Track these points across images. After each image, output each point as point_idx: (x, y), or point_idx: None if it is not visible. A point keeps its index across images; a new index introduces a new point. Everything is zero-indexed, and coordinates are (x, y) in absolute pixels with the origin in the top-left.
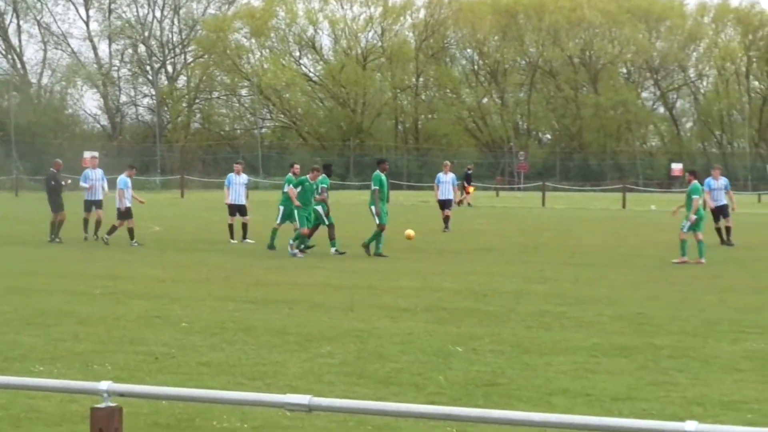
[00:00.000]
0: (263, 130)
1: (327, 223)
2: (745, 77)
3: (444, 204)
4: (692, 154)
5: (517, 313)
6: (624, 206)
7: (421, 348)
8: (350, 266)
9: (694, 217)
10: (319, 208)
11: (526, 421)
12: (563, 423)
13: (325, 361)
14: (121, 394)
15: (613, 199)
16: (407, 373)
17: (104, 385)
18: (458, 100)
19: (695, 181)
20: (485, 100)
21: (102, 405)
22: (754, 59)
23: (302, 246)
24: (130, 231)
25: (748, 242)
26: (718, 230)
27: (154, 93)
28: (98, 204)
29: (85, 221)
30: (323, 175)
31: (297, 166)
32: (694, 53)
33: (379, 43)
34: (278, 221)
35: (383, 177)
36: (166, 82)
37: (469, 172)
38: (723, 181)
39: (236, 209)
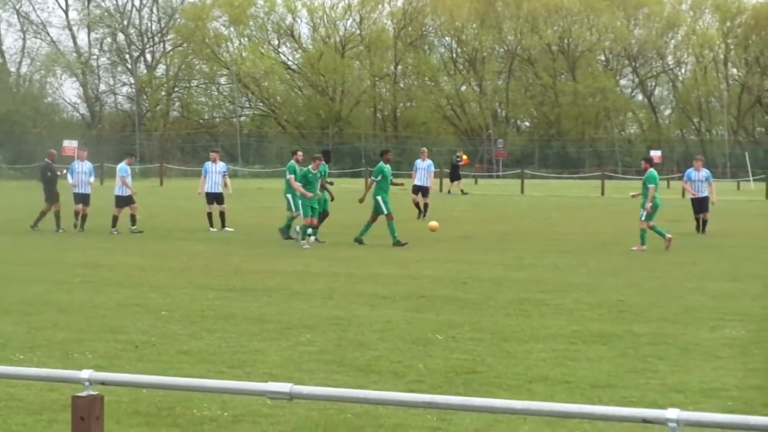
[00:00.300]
0: (242, 118)
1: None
2: (723, 64)
3: (419, 190)
4: (671, 141)
5: (496, 301)
6: (603, 194)
7: (400, 336)
8: (329, 254)
9: (650, 205)
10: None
11: (508, 409)
12: (544, 411)
13: (305, 349)
14: (103, 383)
15: (592, 187)
16: (387, 361)
17: (85, 373)
18: (437, 87)
19: (651, 170)
20: (464, 87)
21: (83, 393)
22: (732, 46)
23: (310, 235)
24: (132, 217)
25: (727, 229)
26: (698, 220)
27: (133, 82)
28: (86, 200)
29: (76, 213)
30: (324, 163)
31: (300, 153)
32: (672, 41)
33: (358, 31)
34: (293, 209)
35: (386, 168)
36: (145, 71)
37: (458, 161)
38: (705, 172)
39: (213, 197)
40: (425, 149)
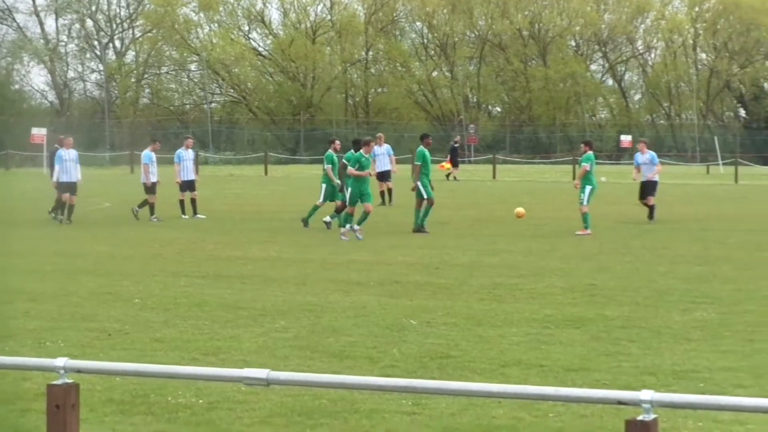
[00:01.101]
0: (213, 104)
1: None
2: (692, 49)
3: (381, 177)
4: (641, 125)
5: (470, 286)
6: (574, 178)
7: (374, 321)
8: (302, 240)
9: (577, 182)
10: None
11: (482, 392)
12: (520, 393)
13: (279, 335)
14: (78, 371)
15: (563, 172)
16: (361, 347)
17: (60, 361)
18: (408, 73)
19: (589, 151)
20: (435, 73)
21: (58, 382)
22: (701, 31)
23: (348, 225)
24: (151, 206)
25: (697, 213)
26: (646, 206)
27: (102, 68)
28: (73, 189)
29: (63, 203)
30: (359, 150)
31: (338, 142)
32: (642, 25)
33: (329, 17)
34: (320, 199)
35: (427, 152)
36: (114, 58)
37: (456, 145)
38: (649, 155)
39: (186, 185)
40: (381, 134)
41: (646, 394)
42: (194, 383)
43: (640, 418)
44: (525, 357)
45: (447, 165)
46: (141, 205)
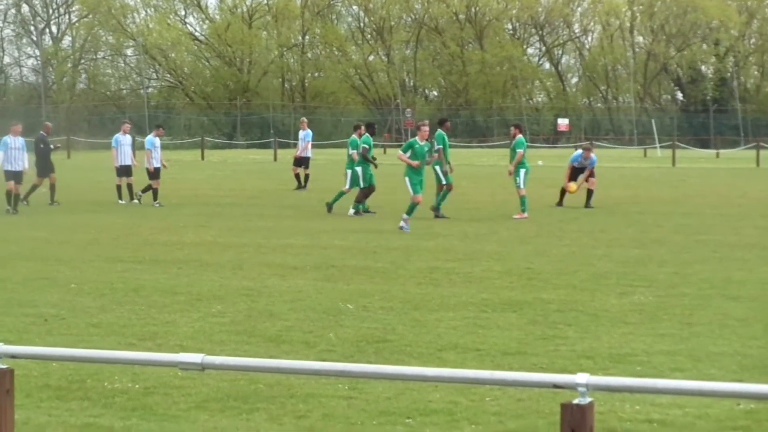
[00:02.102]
0: (149, 90)
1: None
2: (629, 32)
3: (299, 162)
4: (578, 109)
5: (406, 270)
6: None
7: (311, 306)
8: (239, 225)
9: (512, 168)
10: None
11: (419, 377)
12: (455, 377)
13: (216, 320)
14: (13, 356)
15: (501, 155)
16: (298, 331)
17: None
18: (345, 57)
19: (520, 135)
20: (372, 57)
21: None
22: (638, 14)
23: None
24: (155, 192)
25: (635, 196)
26: (560, 194)
27: (38, 54)
28: (18, 177)
29: (8, 192)
30: (366, 134)
31: (363, 128)
32: (579, 9)
33: (265, 1)
34: (347, 185)
35: (446, 136)
36: (50, 43)
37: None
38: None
39: (124, 170)
40: (304, 119)
41: (581, 378)
42: (130, 368)
43: (575, 401)
44: (462, 341)
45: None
46: (144, 190)
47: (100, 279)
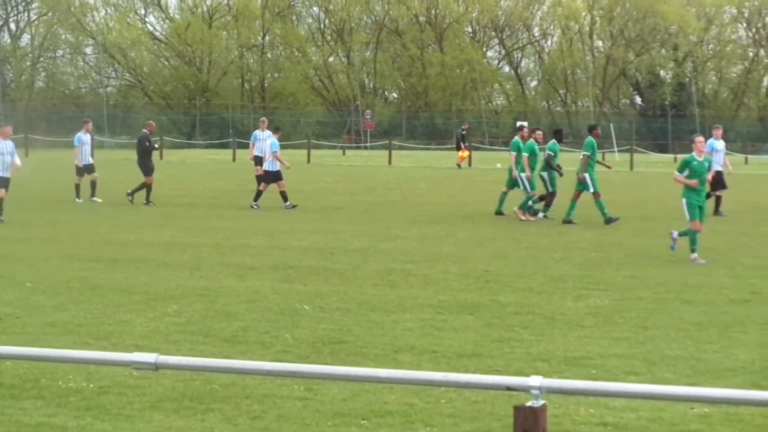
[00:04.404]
0: (108, 88)
1: (550, 190)
2: (588, 36)
3: (259, 161)
4: (537, 112)
5: (364, 271)
6: (470, 164)
7: (268, 306)
8: (197, 225)
9: (523, 174)
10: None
11: (374, 378)
12: (409, 379)
13: (172, 320)
14: None
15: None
16: (254, 332)
17: None
18: (304, 58)
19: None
20: (331, 58)
21: None
22: (598, 18)
23: (538, 213)
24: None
25: (592, 200)
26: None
27: None
28: (6, 184)
29: None
30: (553, 140)
31: (526, 130)
32: (539, 12)
33: (225, 1)
34: (528, 189)
35: (595, 143)
36: (9, 40)
37: (464, 132)
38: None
39: (85, 168)
40: (264, 119)
41: (534, 380)
42: (85, 368)
43: (528, 404)
44: (418, 343)
45: (464, 153)
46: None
47: (56, 278)
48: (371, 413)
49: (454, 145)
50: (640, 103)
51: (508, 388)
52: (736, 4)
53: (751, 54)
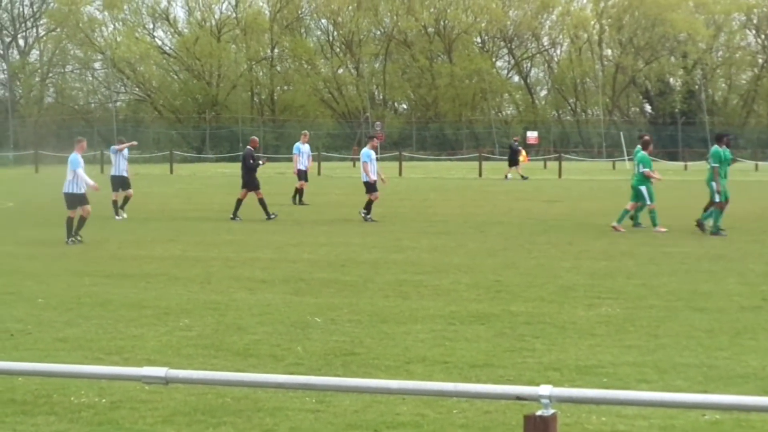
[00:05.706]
0: (117, 103)
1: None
2: (597, 45)
3: (301, 175)
4: (547, 121)
5: (374, 283)
6: (480, 175)
7: (279, 319)
8: (207, 239)
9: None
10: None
11: (385, 389)
12: (420, 390)
13: (183, 334)
14: None
15: (470, 168)
16: (266, 345)
17: None
18: (314, 71)
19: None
20: (341, 70)
21: None
22: (606, 27)
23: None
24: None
25: (603, 209)
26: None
27: (5, 67)
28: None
29: None
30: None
31: (647, 137)
32: (547, 22)
33: (234, 15)
34: (649, 200)
35: (721, 152)
36: (18, 57)
37: (516, 143)
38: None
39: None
40: (306, 132)
41: (544, 390)
42: (97, 383)
43: (539, 413)
44: (430, 354)
45: (524, 157)
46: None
47: (67, 293)
48: (383, 424)
49: (507, 159)
50: (649, 111)
51: (518, 398)
52: (745, 10)
53: (760, 60)
